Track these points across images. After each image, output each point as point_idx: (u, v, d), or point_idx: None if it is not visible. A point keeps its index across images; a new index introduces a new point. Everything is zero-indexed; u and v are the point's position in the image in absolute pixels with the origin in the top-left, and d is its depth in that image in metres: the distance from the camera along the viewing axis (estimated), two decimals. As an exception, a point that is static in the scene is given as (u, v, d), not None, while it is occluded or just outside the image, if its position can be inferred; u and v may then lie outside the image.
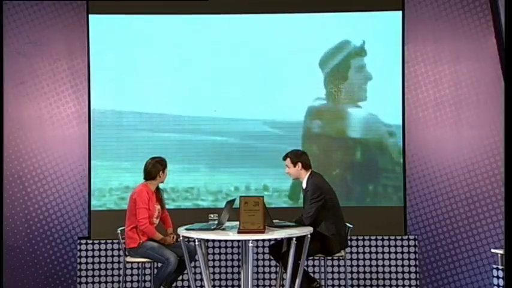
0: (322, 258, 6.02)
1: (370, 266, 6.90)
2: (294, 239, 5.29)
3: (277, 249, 5.94)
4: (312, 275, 6.24)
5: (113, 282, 6.82)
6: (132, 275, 6.80)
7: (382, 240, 6.91)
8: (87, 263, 6.82)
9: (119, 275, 6.78)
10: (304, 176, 5.85)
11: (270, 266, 6.88)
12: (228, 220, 5.64)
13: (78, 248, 6.83)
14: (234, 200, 5.67)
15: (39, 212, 7.03)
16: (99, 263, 6.84)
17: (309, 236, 5.42)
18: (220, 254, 6.94)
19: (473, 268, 7.05)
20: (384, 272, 6.90)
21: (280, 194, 6.90)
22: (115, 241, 6.73)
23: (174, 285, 5.99)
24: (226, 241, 6.87)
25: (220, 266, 6.93)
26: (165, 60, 6.97)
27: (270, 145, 6.93)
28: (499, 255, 5.53)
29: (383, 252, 6.90)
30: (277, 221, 5.76)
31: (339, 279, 6.90)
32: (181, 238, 5.48)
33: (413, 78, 7.14)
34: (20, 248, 6.99)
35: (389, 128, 6.95)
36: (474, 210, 7.07)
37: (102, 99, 6.93)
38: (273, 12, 6.98)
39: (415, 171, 7.12)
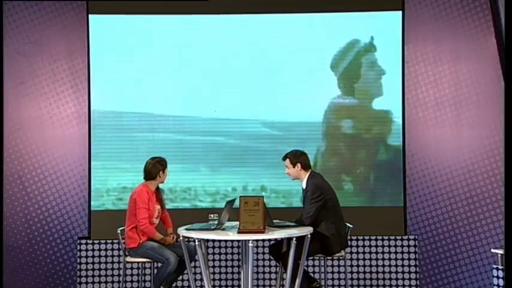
0: (322, 258, 6.02)
1: (370, 266, 6.90)
2: (294, 239, 5.29)
3: (277, 249, 5.94)
4: (312, 275, 6.24)
5: (113, 282, 6.82)
6: (132, 275, 6.80)
7: (382, 240, 6.91)
8: (87, 263, 6.82)
9: (119, 275, 6.78)
10: (304, 176, 5.85)
11: (270, 266, 6.88)
12: (228, 220, 5.64)
13: (78, 248, 6.83)
14: (234, 200, 5.67)
15: (39, 212, 7.03)
16: (99, 263, 6.84)
17: (309, 236, 5.42)
18: (220, 254, 6.94)
19: (473, 268, 7.05)
20: (384, 272, 6.90)
21: (277, 195, 6.90)
22: (115, 241, 6.74)
23: (174, 285, 5.99)
24: (226, 241, 6.87)
25: (220, 266, 6.93)
26: (164, 60, 6.97)
27: (268, 146, 6.93)
28: (499, 255, 5.53)
29: (383, 252, 6.90)
30: (277, 221, 5.76)
31: (339, 279, 6.90)
32: (181, 238, 5.48)
33: (413, 78, 7.14)
34: (20, 248, 6.99)
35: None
36: (474, 210, 7.07)
37: (102, 99, 6.93)
38: (272, 12, 6.98)
39: (415, 171, 7.12)
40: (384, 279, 6.89)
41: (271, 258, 6.45)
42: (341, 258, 5.96)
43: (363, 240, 6.90)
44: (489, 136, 7.07)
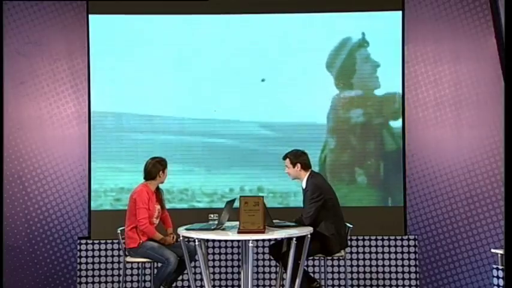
0: (322, 258, 6.02)
1: (370, 266, 6.90)
2: (294, 239, 5.29)
3: (277, 249, 5.94)
4: (312, 275, 6.24)
5: (113, 282, 6.82)
6: (132, 275, 6.80)
7: (382, 240, 6.91)
8: (87, 263, 6.82)
9: (119, 275, 6.78)
10: (304, 176, 5.85)
11: (270, 266, 6.88)
12: (228, 220, 5.64)
13: (78, 248, 6.83)
14: (234, 200, 5.67)
15: (39, 212, 7.03)
16: (99, 263, 6.84)
17: (309, 236, 5.42)
18: (220, 254, 6.94)
19: (473, 268, 7.05)
20: (384, 272, 6.90)
21: (275, 195, 6.90)
22: (115, 241, 6.73)
23: (174, 285, 5.99)
24: (226, 241, 6.87)
25: (220, 266, 6.93)
26: (164, 60, 6.96)
27: (265, 147, 6.93)
28: (499, 255, 5.53)
29: (383, 252, 6.90)
30: (277, 221, 5.76)
31: (339, 279, 6.90)
32: (181, 238, 5.48)
33: (413, 78, 7.14)
34: (20, 248, 6.99)
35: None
36: (474, 210, 7.07)
37: (102, 99, 6.93)
38: (272, 12, 6.98)
39: (415, 171, 7.11)
40: (384, 279, 6.89)
41: (271, 258, 6.45)
42: (341, 258, 5.96)
43: (363, 240, 6.90)
44: (489, 136, 7.07)
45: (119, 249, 6.73)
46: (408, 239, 6.90)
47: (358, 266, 6.90)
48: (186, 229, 5.55)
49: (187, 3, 6.93)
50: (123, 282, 6.23)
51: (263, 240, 6.65)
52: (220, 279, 6.91)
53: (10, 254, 6.92)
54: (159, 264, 5.80)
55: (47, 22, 7.11)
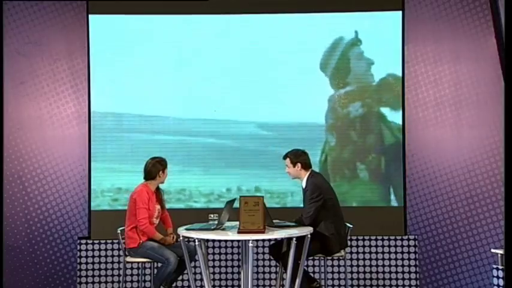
0: (322, 258, 6.02)
1: (370, 266, 6.90)
2: (294, 239, 5.29)
3: (277, 249, 5.94)
4: (312, 275, 6.24)
5: (113, 282, 6.82)
6: (132, 275, 6.80)
7: (382, 240, 6.91)
8: (87, 263, 6.82)
9: (119, 275, 6.78)
10: (304, 176, 5.85)
11: (270, 266, 6.88)
12: (228, 220, 5.64)
13: (78, 248, 6.83)
14: (234, 200, 5.67)
15: (39, 212, 7.03)
16: (99, 263, 6.84)
17: (309, 236, 5.42)
18: (220, 254, 6.94)
19: (473, 268, 7.05)
20: (384, 272, 6.90)
21: (272, 195, 6.89)
22: (115, 241, 6.73)
23: (174, 285, 5.99)
24: (226, 241, 6.87)
25: (220, 266, 6.93)
26: (164, 60, 6.96)
27: (262, 147, 6.93)
28: (499, 255, 5.53)
29: (383, 252, 6.90)
30: (277, 221, 5.76)
31: (339, 279, 6.90)
32: (181, 238, 5.48)
33: (413, 78, 7.14)
34: (20, 248, 6.99)
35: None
36: (474, 210, 7.07)
37: (102, 99, 6.93)
38: (272, 12, 6.98)
39: (415, 171, 7.11)
40: (384, 279, 6.89)
41: (271, 258, 6.45)
42: (341, 258, 5.96)
43: (363, 240, 6.90)
44: (489, 136, 7.07)
45: (119, 249, 6.73)
46: (408, 239, 6.90)
47: (358, 266, 6.90)
48: (186, 229, 5.55)
49: (187, 3, 6.93)
50: (123, 282, 6.22)
51: (263, 240, 6.65)
52: (220, 279, 6.91)
53: (10, 254, 6.92)
54: (159, 264, 5.80)
55: (47, 22, 7.11)
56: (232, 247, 6.94)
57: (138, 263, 6.04)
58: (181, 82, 6.96)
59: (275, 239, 6.02)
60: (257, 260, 6.82)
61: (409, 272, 6.87)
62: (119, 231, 5.91)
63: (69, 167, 7.07)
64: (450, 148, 7.12)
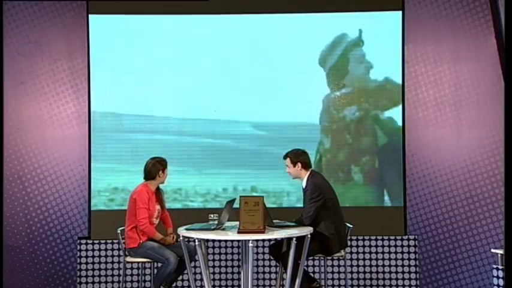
0: (322, 258, 6.02)
1: (370, 266, 6.90)
2: (294, 239, 5.29)
3: (277, 249, 5.94)
4: (312, 275, 6.24)
5: (113, 282, 6.82)
6: (132, 275, 6.80)
7: (382, 240, 6.91)
8: (87, 263, 6.82)
9: (119, 275, 6.78)
10: (304, 176, 5.84)
11: (270, 266, 6.88)
12: (228, 220, 5.64)
13: (78, 248, 6.83)
14: (234, 200, 5.67)
15: (39, 212, 7.03)
16: (99, 263, 6.84)
17: (309, 236, 5.42)
18: (220, 254, 6.94)
19: (473, 268, 7.05)
20: (384, 272, 6.90)
21: (268, 195, 6.88)
22: (115, 241, 6.73)
23: (174, 285, 5.99)
24: (226, 241, 6.87)
25: (220, 266, 6.93)
26: (164, 60, 6.96)
27: (258, 147, 6.93)
28: (499, 255, 5.53)
29: (383, 252, 6.90)
30: (277, 221, 5.76)
31: (339, 279, 6.90)
32: (181, 238, 5.48)
33: (413, 78, 7.14)
34: (20, 248, 6.99)
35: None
36: (474, 210, 7.07)
37: (102, 99, 6.93)
38: (272, 12, 6.98)
39: (415, 171, 7.11)
40: (384, 279, 6.89)
41: (271, 258, 6.45)
42: (341, 258, 5.96)
43: (363, 240, 6.90)
44: (489, 136, 7.07)
45: (119, 249, 6.73)
46: (408, 239, 6.90)
47: (358, 266, 6.90)
48: (186, 229, 5.55)
49: (187, 3, 6.93)
50: (123, 282, 6.22)
51: (263, 240, 6.65)
52: (220, 279, 6.91)
53: (10, 254, 6.92)
54: (159, 264, 5.80)
55: (47, 22, 7.11)
56: (232, 247, 6.94)
57: (138, 263, 6.04)
58: (180, 82, 6.95)
59: (275, 239, 6.02)
60: (257, 260, 6.82)
61: (409, 272, 6.87)
62: (118, 231, 5.91)
63: (69, 167, 7.07)
64: (450, 148, 7.12)
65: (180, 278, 6.43)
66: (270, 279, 6.90)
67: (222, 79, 6.94)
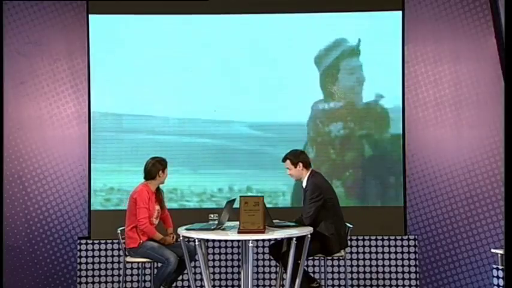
0: (322, 258, 6.02)
1: (370, 266, 6.90)
2: (294, 239, 5.28)
3: (277, 249, 5.93)
4: (312, 275, 6.24)
5: (113, 282, 6.82)
6: (132, 275, 6.80)
7: (382, 240, 6.91)
8: (87, 263, 6.82)
9: (119, 275, 6.78)
10: (305, 175, 5.84)
11: (270, 266, 6.88)
12: (228, 220, 5.64)
13: (78, 248, 6.83)
14: (234, 200, 5.67)
15: (39, 212, 7.03)
16: (99, 263, 6.84)
17: (309, 236, 5.41)
18: (220, 254, 6.94)
19: (473, 268, 7.05)
20: (384, 272, 6.89)
21: (263, 195, 6.85)
22: (115, 241, 6.74)
23: (174, 285, 5.99)
24: (226, 241, 6.87)
25: (220, 266, 6.93)
26: (164, 60, 6.96)
27: (253, 147, 6.93)
28: (499, 255, 5.53)
29: (383, 252, 6.90)
30: (277, 221, 5.76)
31: (339, 279, 6.90)
32: (181, 238, 5.48)
33: (413, 78, 7.14)
34: (20, 248, 6.99)
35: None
36: (474, 210, 7.07)
37: (102, 99, 6.93)
38: (272, 12, 6.98)
39: (415, 171, 7.11)
40: (384, 279, 6.89)
41: (271, 258, 6.45)
42: (341, 258, 5.96)
43: (363, 240, 6.90)
44: (489, 136, 7.07)
45: (119, 249, 6.73)
46: (408, 239, 6.90)
47: (358, 266, 6.90)
48: (186, 229, 5.55)
49: (187, 3, 6.93)
50: (123, 282, 6.22)
51: (263, 240, 6.65)
52: (220, 279, 6.91)
53: (10, 254, 6.92)
54: (159, 264, 5.80)
55: (47, 22, 7.11)
56: (232, 247, 6.94)
57: (138, 263, 6.04)
58: (180, 82, 6.94)
59: (275, 239, 6.02)
60: (257, 260, 6.82)
61: (409, 272, 6.87)
62: (119, 231, 5.91)
63: (69, 167, 7.07)
64: (450, 148, 7.12)
65: (180, 278, 6.43)
66: (270, 279, 6.90)
67: (221, 79, 6.94)
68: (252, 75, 6.94)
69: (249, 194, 6.71)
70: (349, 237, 6.02)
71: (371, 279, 6.90)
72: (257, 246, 6.78)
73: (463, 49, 7.12)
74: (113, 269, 6.84)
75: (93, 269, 6.83)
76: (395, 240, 6.90)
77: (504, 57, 6.04)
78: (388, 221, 6.90)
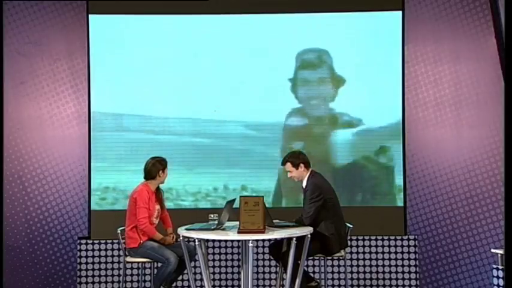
0: (322, 258, 6.02)
1: (370, 266, 6.90)
2: (294, 239, 5.28)
3: (277, 249, 5.93)
4: (311, 274, 6.24)
5: (113, 282, 6.82)
6: (132, 275, 6.80)
7: (382, 240, 6.91)
8: (87, 263, 6.82)
9: (119, 275, 6.78)
10: (305, 176, 5.83)
11: (270, 266, 6.88)
12: (228, 220, 5.64)
13: (78, 248, 6.83)
14: (234, 200, 5.67)
15: (39, 212, 7.03)
16: (99, 263, 6.84)
17: (309, 236, 5.41)
18: (220, 254, 6.94)
19: (473, 268, 7.05)
20: (384, 272, 6.89)
21: (258, 194, 6.85)
22: (115, 241, 6.73)
23: (174, 285, 5.99)
24: (226, 241, 6.87)
25: (220, 266, 6.93)
26: (164, 60, 6.96)
27: (248, 146, 6.92)
28: (499, 255, 5.53)
29: (383, 252, 6.90)
30: (277, 221, 5.76)
31: (339, 279, 6.89)
32: (181, 238, 5.48)
33: (413, 78, 7.14)
34: (20, 248, 6.99)
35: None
36: (474, 210, 7.07)
37: (102, 99, 6.93)
38: (272, 12, 6.98)
39: (415, 171, 7.11)
40: (384, 279, 6.89)
41: (271, 258, 6.45)
42: (341, 258, 5.96)
43: (363, 240, 6.90)
44: (489, 136, 7.07)
45: (119, 249, 6.73)
46: (408, 239, 6.89)
47: (358, 266, 6.90)
48: (186, 229, 5.55)
49: (187, 3, 6.93)
50: (123, 282, 6.22)
51: (263, 240, 6.65)
52: (220, 279, 6.91)
53: (10, 254, 6.92)
54: (159, 264, 5.80)
55: (47, 22, 7.11)
56: (232, 247, 6.94)
57: (138, 263, 6.04)
58: (179, 82, 6.94)
59: (275, 239, 6.02)
60: (257, 260, 6.82)
61: (409, 272, 6.87)
62: (119, 231, 5.91)
63: (69, 167, 7.07)
64: (450, 148, 7.12)
65: (180, 278, 6.43)
66: (270, 279, 6.90)
67: (221, 79, 6.93)
68: (252, 76, 6.93)
69: (244, 193, 6.71)
70: (349, 237, 6.02)
71: (371, 279, 6.90)
72: (257, 246, 6.78)
73: (463, 49, 7.12)
74: (113, 269, 6.84)
75: (93, 269, 6.83)
76: (395, 240, 6.90)
77: (504, 57, 6.04)
78: (388, 221, 6.90)
